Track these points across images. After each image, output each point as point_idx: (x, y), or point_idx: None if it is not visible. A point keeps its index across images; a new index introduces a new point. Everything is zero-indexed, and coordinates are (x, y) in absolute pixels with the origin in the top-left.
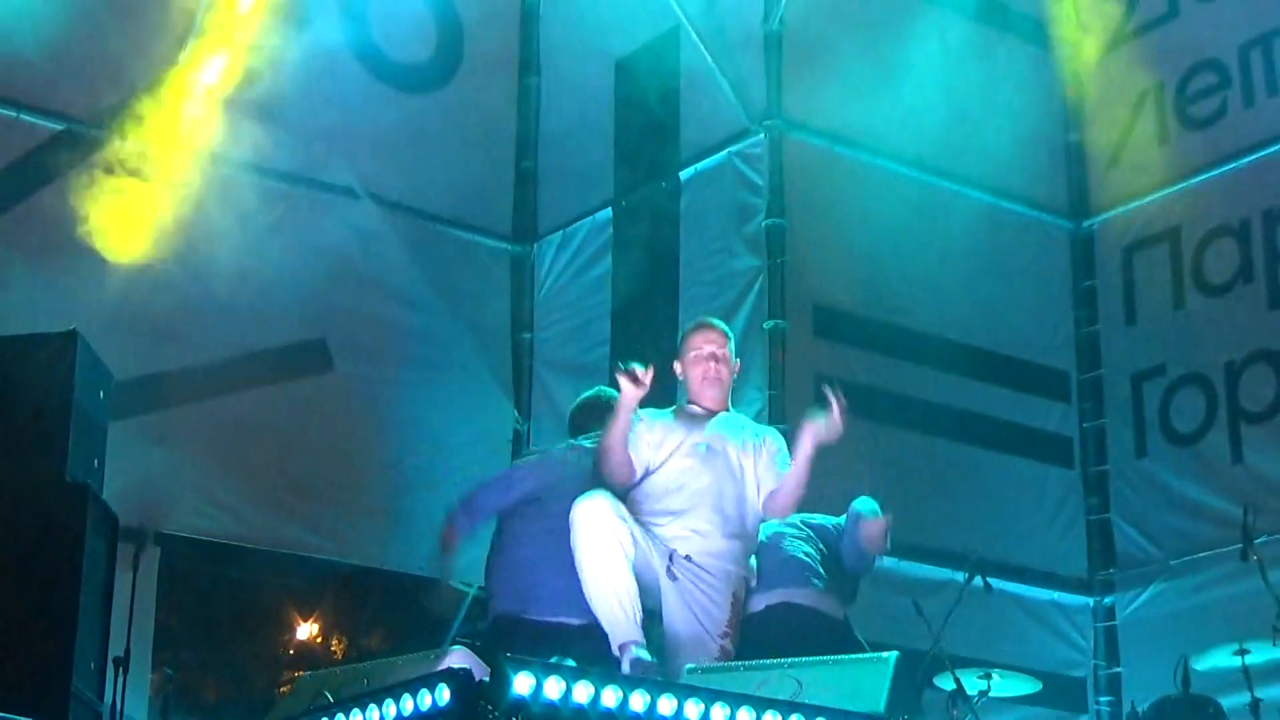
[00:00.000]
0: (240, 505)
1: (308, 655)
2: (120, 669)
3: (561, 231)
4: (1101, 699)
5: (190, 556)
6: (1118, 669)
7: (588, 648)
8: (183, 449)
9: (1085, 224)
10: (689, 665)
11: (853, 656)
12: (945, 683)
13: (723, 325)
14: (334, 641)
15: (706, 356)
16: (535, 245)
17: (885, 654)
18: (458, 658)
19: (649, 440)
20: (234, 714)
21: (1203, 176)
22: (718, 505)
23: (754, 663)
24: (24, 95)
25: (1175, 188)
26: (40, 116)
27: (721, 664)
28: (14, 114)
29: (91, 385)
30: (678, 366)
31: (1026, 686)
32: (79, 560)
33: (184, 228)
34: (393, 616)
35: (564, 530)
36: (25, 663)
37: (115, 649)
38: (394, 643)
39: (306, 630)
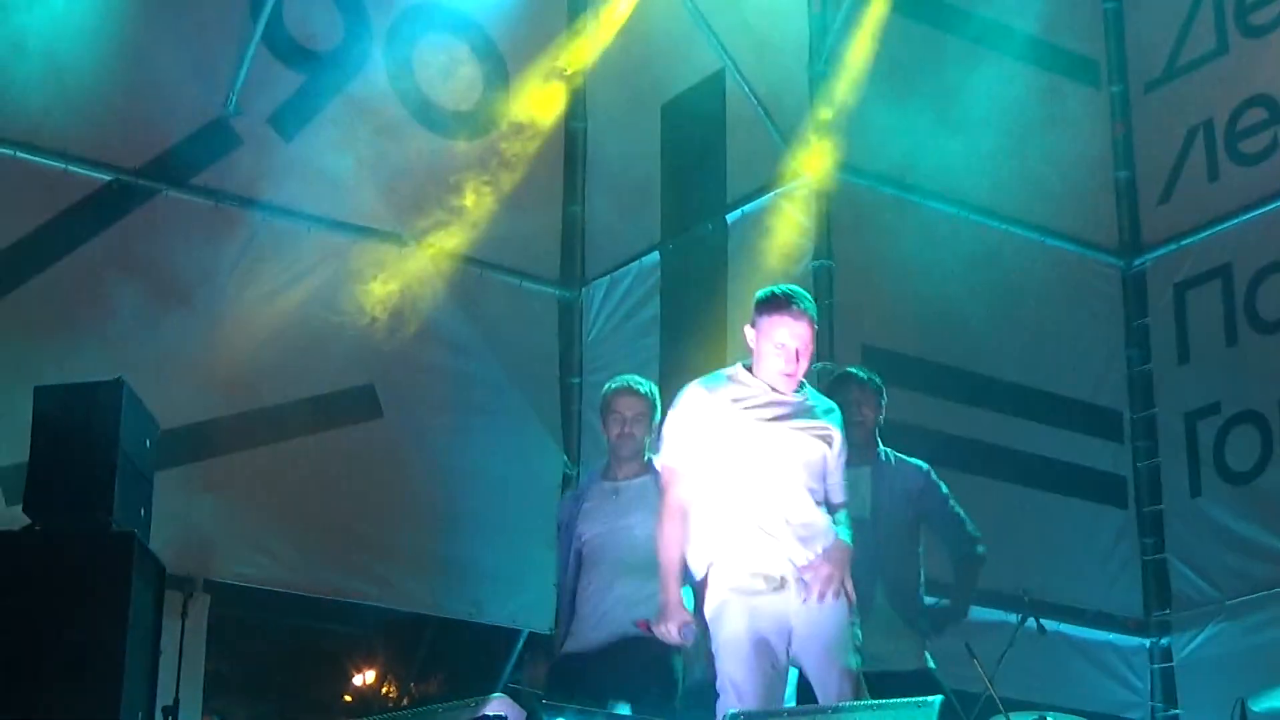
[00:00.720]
0: (290, 552)
1: (362, 702)
2: (169, 717)
3: (609, 276)
4: None
5: (240, 604)
6: (1175, 711)
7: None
8: (232, 497)
9: (1136, 262)
10: (730, 711)
11: (897, 701)
12: None
13: (812, 307)
14: (388, 688)
15: (790, 354)
16: (583, 290)
17: (930, 699)
18: (496, 705)
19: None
20: None
21: (1254, 213)
22: None
23: (797, 708)
24: (72, 147)
25: (1227, 224)
26: (88, 168)
27: (764, 710)
28: (63, 166)
29: (138, 434)
30: (749, 333)
31: None
32: (125, 609)
33: (232, 276)
34: (448, 662)
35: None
36: (73, 713)
37: (164, 698)
38: (451, 688)
39: (360, 677)
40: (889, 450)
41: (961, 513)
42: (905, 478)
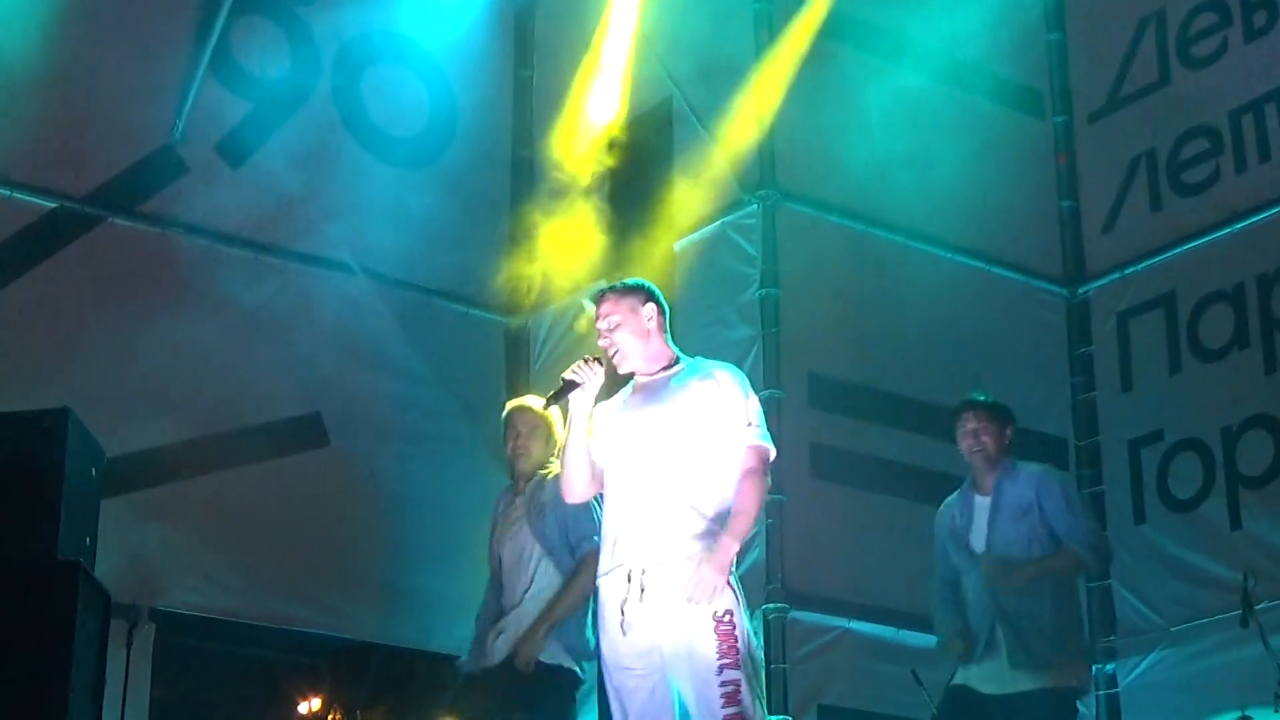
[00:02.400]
0: (236, 580)
1: None
2: None
3: (556, 304)
4: None
5: (185, 632)
6: None
7: None
8: (177, 525)
9: (1080, 291)
10: None
11: None
12: None
13: (615, 285)
14: (334, 715)
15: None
16: (530, 318)
17: None
18: None
19: None
20: None
21: (1197, 242)
22: None
23: None
24: (16, 174)
25: (1169, 254)
26: (33, 195)
27: None
28: (7, 193)
29: (83, 462)
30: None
31: None
32: (70, 638)
33: (178, 303)
34: (394, 689)
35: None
36: None
37: None
38: (397, 715)
39: (307, 705)
40: (1022, 464)
41: (1076, 514)
42: (1017, 494)
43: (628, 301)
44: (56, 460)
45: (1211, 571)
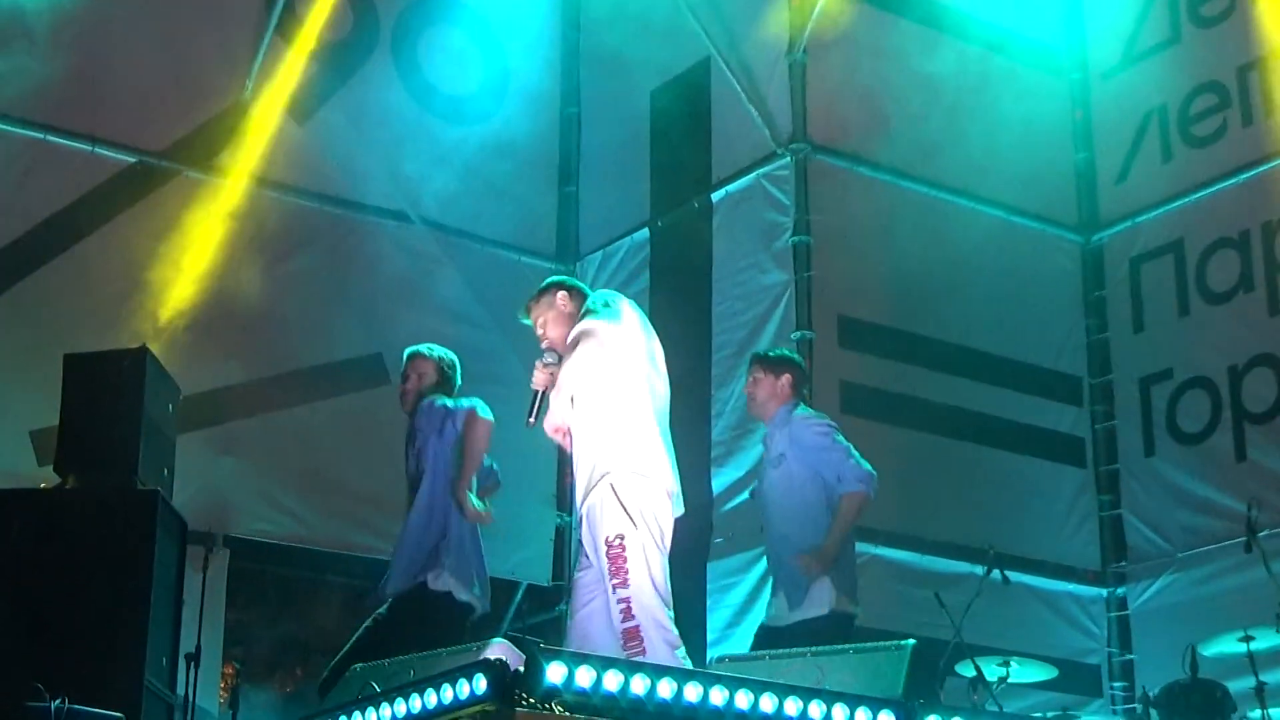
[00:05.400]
0: (303, 509)
1: None
2: (192, 664)
3: (602, 251)
4: (1115, 684)
5: (257, 558)
6: (1130, 656)
7: None
8: (249, 458)
9: (1095, 238)
10: (717, 655)
11: (873, 645)
12: (966, 670)
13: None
14: None
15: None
16: (578, 264)
17: (904, 642)
18: (497, 650)
19: None
20: (300, 704)
21: (1205, 192)
22: None
23: (780, 652)
24: (99, 130)
25: (1179, 202)
26: (114, 150)
27: (749, 654)
28: (90, 148)
29: (161, 399)
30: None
31: (1043, 673)
32: (149, 562)
33: (249, 253)
34: None
35: None
36: (100, 658)
37: (187, 645)
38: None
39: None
40: (799, 411)
41: (836, 449)
42: (776, 441)
43: (545, 300)
44: (136, 397)
45: (1217, 501)
